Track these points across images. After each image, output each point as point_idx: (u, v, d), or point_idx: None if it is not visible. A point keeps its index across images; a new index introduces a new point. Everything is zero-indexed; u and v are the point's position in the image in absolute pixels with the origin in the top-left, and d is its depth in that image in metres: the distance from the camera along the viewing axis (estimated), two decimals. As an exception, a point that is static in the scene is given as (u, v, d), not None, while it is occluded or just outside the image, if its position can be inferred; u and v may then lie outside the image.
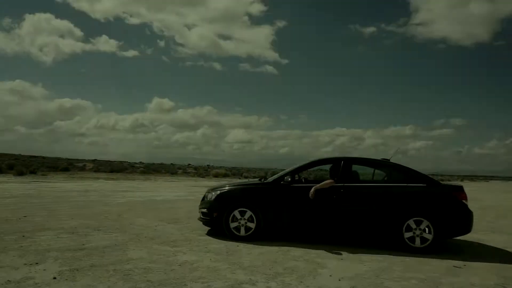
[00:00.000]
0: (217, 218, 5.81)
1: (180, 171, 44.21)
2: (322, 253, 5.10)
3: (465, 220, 5.51)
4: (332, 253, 5.13)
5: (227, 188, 6.11)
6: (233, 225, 5.75)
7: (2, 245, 4.80)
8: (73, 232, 5.85)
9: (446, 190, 5.66)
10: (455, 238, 6.00)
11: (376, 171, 6.24)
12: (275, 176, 5.98)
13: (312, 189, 5.52)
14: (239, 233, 5.71)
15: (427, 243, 5.34)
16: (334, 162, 5.92)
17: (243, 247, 5.25)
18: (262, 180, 6.25)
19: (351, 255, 5.07)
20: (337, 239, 5.92)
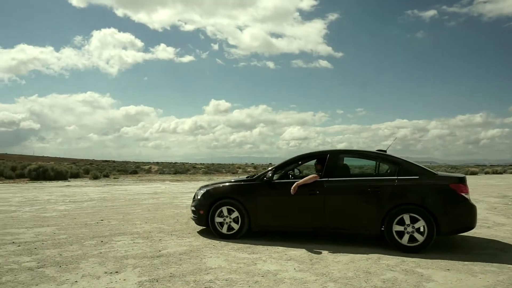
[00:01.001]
0: (204, 215, 5.79)
1: (240, 170, 44.69)
2: (420, 261, 4.41)
3: (465, 215, 4.93)
4: (431, 260, 4.42)
5: (213, 185, 6.07)
6: (218, 220, 5.71)
7: (83, 251, 4.80)
8: (147, 237, 5.76)
9: (442, 183, 5.01)
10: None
11: (373, 163, 5.64)
12: (261, 173, 5.77)
13: (295, 185, 5.32)
14: (222, 229, 5.69)
15: (420, 241, 4.83)
16: (321, 156, 5.70)
17: (327, 254, 4.74)
18: (249, 177, 6.01)
19: (457, 263, 4.32)
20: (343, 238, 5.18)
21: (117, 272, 3.93)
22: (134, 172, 34.58)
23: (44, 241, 5.41)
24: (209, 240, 5.54)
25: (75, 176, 25.65)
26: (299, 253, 4.81)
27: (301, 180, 5.36)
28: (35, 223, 6.97)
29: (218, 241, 5.46)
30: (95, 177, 25.72)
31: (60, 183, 20.36)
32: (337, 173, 5.40)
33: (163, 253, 4.74)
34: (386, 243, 5.04)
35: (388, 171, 5.40)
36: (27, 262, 4.31)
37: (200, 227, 6.34)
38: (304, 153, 5.90)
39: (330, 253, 4.78)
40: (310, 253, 4.80)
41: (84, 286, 3.49)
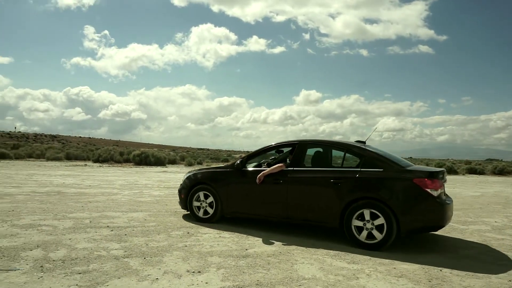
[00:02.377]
0: (184, 199, 6.12)
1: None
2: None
3: (429, 212, 4.47)
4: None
5: (195, 171, 6.31)
6: (195, 204, 5.99)
7: (168, 243, 4.59)
8: (234, 231, 5.38)
9: (405, 177, 4.59)
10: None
11: (348, 155, 5.19)
12: (236, 161, 5.83)
13: (261, 174, 5.33)
14: (199, 213, 5.94)
15: (378, 239, 4.54)
16: (290, 146, 5.63)
17: (449, 274, 3.74)
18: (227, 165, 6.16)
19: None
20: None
21: (199, 272, 3.55)
22: (225, 160, 35.78)
23: (135, 227, 5.40)
24: (300, 239, 4.93)
25: (172, 162, 27.39)
26: (412, 268, 3.89)
27: (267, 169, 5.34)
28: (130, 207, 7.18)
29: (311, 243, 4.81)
30: (190, 164, 27.13)
31: (159, 168, 21.83)
32: (303, 163, 5.33)
33: (249, 253, 4.27)
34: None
35: (355, 163, 5.10)
36: (115, 249, 4.22)
37: (296, 226, 5.78)
38: (276, 143, 5.80)
39: (453, 273, 3.78)
40: (426, 269, 3.86)
41: (164, 286, 3.17)
